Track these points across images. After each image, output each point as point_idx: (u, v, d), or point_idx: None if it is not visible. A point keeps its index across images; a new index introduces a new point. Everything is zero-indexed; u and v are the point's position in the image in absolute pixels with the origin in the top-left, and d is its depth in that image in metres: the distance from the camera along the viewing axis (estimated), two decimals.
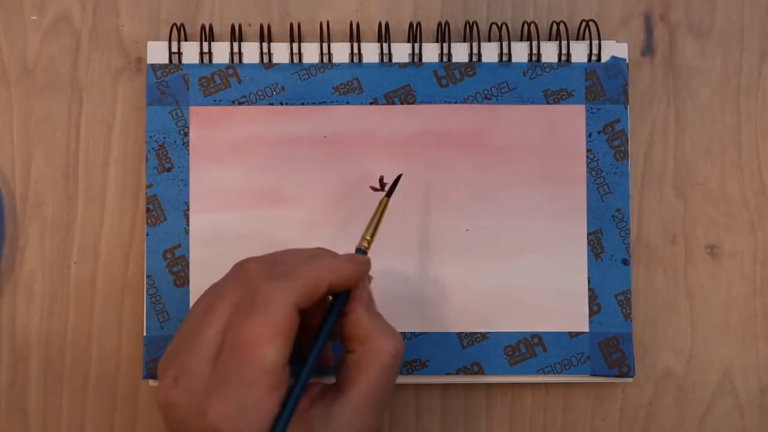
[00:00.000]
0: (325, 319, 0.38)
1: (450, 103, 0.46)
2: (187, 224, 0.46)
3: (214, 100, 0.46)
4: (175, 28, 0.47)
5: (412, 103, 0.46)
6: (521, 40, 0.47)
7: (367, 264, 0.40)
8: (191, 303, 0.45)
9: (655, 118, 0.48)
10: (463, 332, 0.46)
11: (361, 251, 0.41)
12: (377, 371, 0.37)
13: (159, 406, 0.36)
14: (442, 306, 0.46)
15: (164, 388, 0.36)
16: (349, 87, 0.46)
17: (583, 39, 0.47)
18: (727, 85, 0.48)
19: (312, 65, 0.47)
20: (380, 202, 0.42)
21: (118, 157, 0.47)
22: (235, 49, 0.47)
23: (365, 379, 0.37)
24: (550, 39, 0.47)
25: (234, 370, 0.35)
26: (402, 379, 0.46)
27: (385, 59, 0.47)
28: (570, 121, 0.46)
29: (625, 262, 0.46)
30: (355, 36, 0.47)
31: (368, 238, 0.41)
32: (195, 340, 0.36)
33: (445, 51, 0.47)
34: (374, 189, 0.46)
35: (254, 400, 0.35)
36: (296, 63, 0.47)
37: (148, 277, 0.46)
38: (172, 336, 0.45)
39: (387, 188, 0.44)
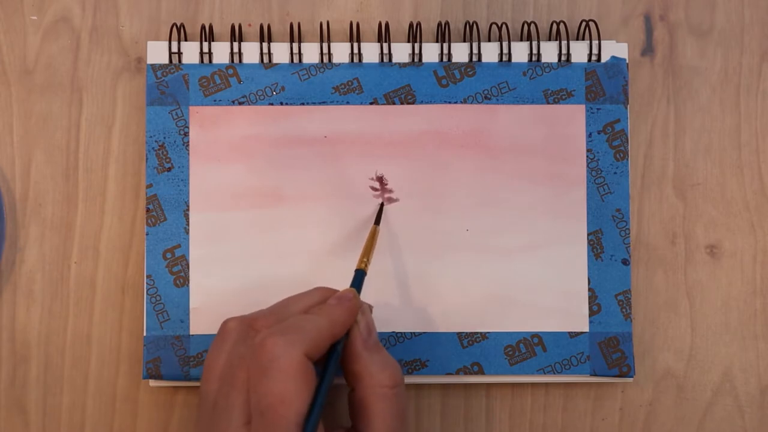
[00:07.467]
0: (327, 363, 0.38)
1: (450, 103, 0.46)
2: (187, 224, 0.46)
3: (214, 100, 0.46)
4: (175, 28, 0.47)
5: (412, 103, 0.46)
6: (521, 40, 0.47)
7: (358, 305, 0.40)
8: (191, 303, 0.45)
9: (655, 118, 0.48)
10: (463, 332, 0.46)
11: (361, 271, 0.42)
12: (381, 406, 0.38)
13: None
14: (442, 306, 0.46)
15: None
16: (349, 87, 0.46)
17: (583, 39, 0.47)
18: (727, 85, 0.48)
19: (312, 65, 0.47)
20: (371, 230, 0.44)
21: (118, 157, 0.47)
22: (235, 49, 0.47)
23: (374, 418, 0.38)
24: (550, 39, 0.47)
25: None
26: None
27: (385, 59, 0.47)
28: (570, 121, 0.46)
29: (625, 262, 0.46)
30: (355, 36, 0.47)
31: (365, 260, 0.43)
32: (223, 413, 0.36)
33: (445, 51, 0.47)
34: (374, 189, 0.46)
35: None
36: (296, 63, 0.47)
37: (148, 277, 0.46)
38: (172, 336, 0.45)
39: (375, 218, 0.45)
